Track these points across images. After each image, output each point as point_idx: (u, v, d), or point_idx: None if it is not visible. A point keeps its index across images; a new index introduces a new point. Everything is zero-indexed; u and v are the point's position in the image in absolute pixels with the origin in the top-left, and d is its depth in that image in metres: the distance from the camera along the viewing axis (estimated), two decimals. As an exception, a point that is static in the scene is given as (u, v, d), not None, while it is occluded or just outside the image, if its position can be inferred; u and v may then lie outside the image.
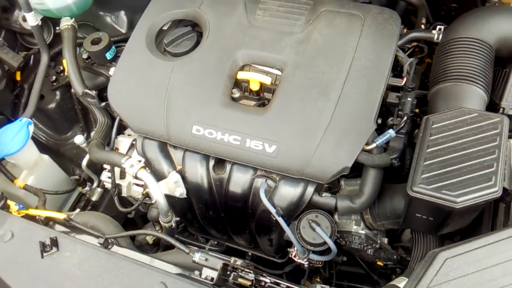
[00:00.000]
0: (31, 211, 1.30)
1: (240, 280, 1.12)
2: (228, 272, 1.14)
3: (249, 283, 1.09)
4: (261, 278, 1.06)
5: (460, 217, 1.06)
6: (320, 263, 1.46)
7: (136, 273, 1.06)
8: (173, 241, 1.23)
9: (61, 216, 1.28)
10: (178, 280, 1.04)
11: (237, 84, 1.47)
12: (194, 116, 1.38)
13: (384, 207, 1.37)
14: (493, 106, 1.26)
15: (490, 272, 0.88)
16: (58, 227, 1.36)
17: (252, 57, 1.45)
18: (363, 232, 1.41)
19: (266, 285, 1.05)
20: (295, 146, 1.29)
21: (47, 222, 1.32)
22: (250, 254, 1.78)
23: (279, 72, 1.42)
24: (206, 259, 1.13)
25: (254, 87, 1.45)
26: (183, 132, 1.38)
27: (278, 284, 1.04)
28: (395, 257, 1.41)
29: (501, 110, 1.21)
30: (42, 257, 1.10)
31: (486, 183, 0.96)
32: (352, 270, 1.87)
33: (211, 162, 1.45)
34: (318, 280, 1.72)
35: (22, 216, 1.27)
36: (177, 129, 1.39)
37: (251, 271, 1.08)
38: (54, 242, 1.12)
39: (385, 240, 1.49)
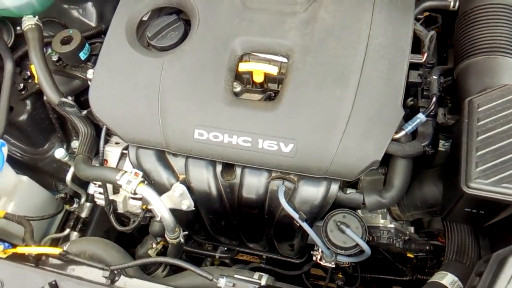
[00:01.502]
0: (19, 249, 1.11)
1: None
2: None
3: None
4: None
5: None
6: (348, 263, 1.34)
7: (158, 314, 0.91)
8: (193, 268, 1.08)
9: (55, 251, 1.10)
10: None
11: (238, 76, 1.30)
12: (195, 118, 1.21)
13: (413, 197, 1.26)
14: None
15: None
16: (52, 261, 1.18)
17: (253, 45, 1.27)
18: (392, 225, 1.31)
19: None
20: (315, 142, 1.15)
21: (39, 258, 1.14)
22: (264, 257, 1.65)
23: (284, 60, 1.26)
24: (233, 285, 0.99)
25: (258, 79, 1.28)
26: (184, 138, 1.22)
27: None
28: (427, 247, 1.31)
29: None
30: (43, 308, 0.93)
31: (549, 171, 0.85)
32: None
33: (218, 168, 1.29)
34: (340, 276, 1.62)
35: (9, 257, 1.09)
36: (177, 134, 1.22)
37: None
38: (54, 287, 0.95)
39: (412, 229, 1.39)
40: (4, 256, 1.09)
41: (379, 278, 1.61)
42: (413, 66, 1.30)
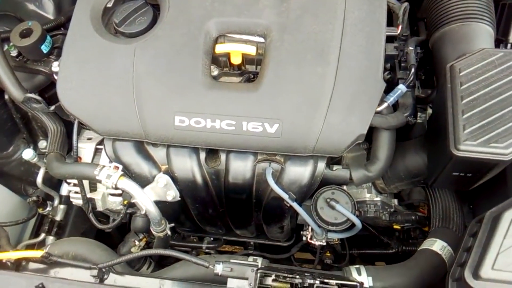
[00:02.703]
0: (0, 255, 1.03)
1: (274, 284, 0.97)
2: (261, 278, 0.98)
3: (288, 286, 0.94)
4: (307, 281, 0.92)
5: (500, 167, 0.99)
6: (337, 240, 1.35)
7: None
8: (189, 257, 1.04)
9: (37, 254, 1.03)
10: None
11: (214, 60, 1.26)
12: (174, 105, 1.16)
13: (397, 169, 1.28)
14: (497, 43, 1.18)
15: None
16: (33, 266, 1.11)
17: (228, 26, 1.24)
18: (378, 199, 1.32)
19: (315, 286, 0.90)
20: (300, 121, 1.13)
21: (19, 263, 1.07)
22: (252, 243, 1.63)
23: (261, 39, 1.23)
24: (231, 269, 0.96)
25: (236, 60, 1.25)
26: (164, 126, 1.17)
27: (326, 283, 0.90)
28: (413, 217, 1.34)
29: (509, 46, 1.13)
30: (32, 313, 0.87)
31: (533, 128, 0.88)
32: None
33: (202, 155, 1.25)
34: (329, 254, 1.63)
35: (-14, 264, 1.01)
36: (156, 123, 1.17)
37: (287, 274, 0.93)
38: (42, 291, 0.89)
39: (395, 201, 1.41)
40: (-19, 264, 1.02)
41: (365, 254, 1.63)
42: (388, 39, 1.31)
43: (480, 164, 0.92)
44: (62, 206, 1.68)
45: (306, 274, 0.91)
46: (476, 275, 0.82)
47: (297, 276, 0.89)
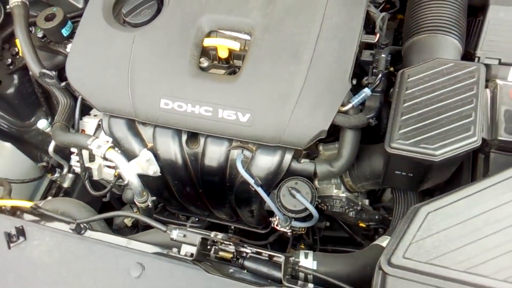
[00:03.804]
0: (-6, 202, 1.22)
1: (221, 253, 1.09)
2: (209, 247, 1.10)
3: (231, 255, 1.05)
4: (242, 249, 1.03)
5: (440, 170, 1.04)
6: (303, 230, 1.43)
7: (110, 256, 1.01)
8: (148, 220, 1.17)
9: (27, 204, 1.20)
10: (156, 259, 0.99)
11: (205, 52, 1.40)
12: (161, 89, 1.30)
13: (363, 169, 1.35)
14: (468, 56, 1.23)
15: (473, 223, 0.87)
16: (27, 217, 1.28)
17: (218, 22, 1.37)
18: (343, 195, 1.39)
19: (248, 256, 1.01)
20: (270, 113, 1.24)
21: (14, 212, 1.24)
22: (232, 227, 1.75)
23: (248, 37, 1.35)
24: (184, 235, 1.09)
25: (223, 54, 1.38)
26: (151, 107, 1.31)
27: (259, 253, 1.01)
28: (377, 217, 1.39)
29: (476, 59, 1.18)
30: (9, 248, 1.03)
31: (465, 134, 0.94)
32: (335, 235, 1.87)
33: (184, 137, 1.39)
34: (303, 246, 1.71)
35: (-15, 208, 1.19)
36: (144, 104, 1.32)
37: (231, 243, 1.04)
38: (21, 232, 1.05)
39: (366, 202, 1.48)
40: (-19, 207, 1.20)
41: (338, 251, 1.70)
42: (369, 47, 1.39)
43: (414, 164, 0.99)
44: (70, 175, 1.86)
45: (244, 245, 1.01)
46: (389, 262, 0.89)
47: (234, 246, 1.00)
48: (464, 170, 1.18)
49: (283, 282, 0.97)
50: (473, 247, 0.85)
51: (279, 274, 1.01)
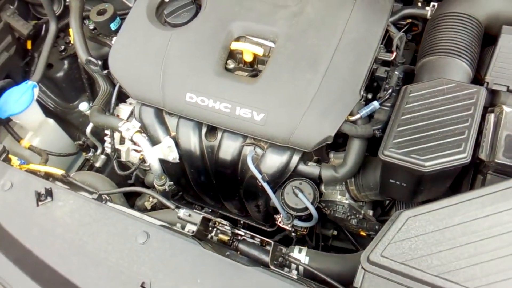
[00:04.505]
0: (32, 166, 1.39)
1: (220, 235, 1.19)
2: (210, 228, 1.20)
3: (228, 237, 1.14)
4: (237, 232, 1.12)
5: (433, 183, 1.09)
6: (305, 230, 1.51)
7: (122, 223, 1.13)
8: (160, 198, 1.30)
9: (58, 172, 1.36)
10: (160, 231, 1.11)
11: (232, 55, 1.52)
12: (188, 84, 1.43)
13: (368, 178, 1.41)
14: (478, 81, 1.28)
15: (450, 231, 0.92)
16: (57, 183, 1.44)
17: (247, 29, 1.49)
18: (346, 201, 1.46)
19: (242, 238, 1.10)
20: (282, 115, 1.34)
21: (47, 178, 1.40)
22: (242, 222, 1.84)
23: (272, 44, 1.46)
24: (189, 215, 1.20)
25: (248, 58, 1.49)
26: (177, 99, 1.44)
27: (253, 237, 1.10)
28: (377, 227, 1.44)
29: (485, 84, 1.22)
30: (37, 205, 1.18)
31: (455, 149, 0.99)
32: (342, 246, 1.91)
33: (204, 130, 1.51)
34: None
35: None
36: (172, 96, 1.45)
37: (227, 224, 1.14)
38: (49, 192, 1.20)
39: (370, 212, 1.53)
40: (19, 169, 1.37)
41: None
42: (387, 64, 1.46)
43: (406, 173, 1.05)
44: (102, 156, 2.03)
45: (239, 228, 1.10)
46: (368, 259, 0.96)
47: (230, 227, 1.09)
48: (463, 190, 1.22)
49: (270, 266, 1.05)
50: (448, 254, 0.91)
51: (268, 259, 1.09)
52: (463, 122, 1.02)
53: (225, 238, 1.16)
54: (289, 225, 1.45)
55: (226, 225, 1.14)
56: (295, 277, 1.07)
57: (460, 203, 0.93)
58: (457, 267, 0.89)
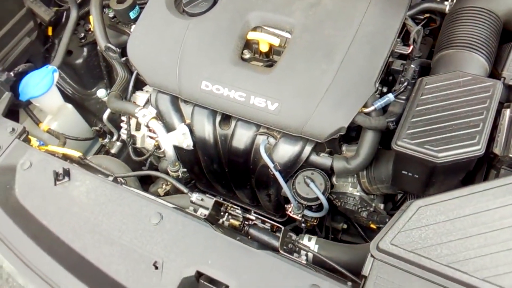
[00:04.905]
0: (50, 147, 1.42)
1: (231, 220, 1.20)
2: (222, 213, 1.22)
3: (239, 222, 1.16)
4: (248, 216, 1.14)
5: (445, 176, 1.09)
6: (315, 221, 1.52)
7: (136, 204, 1.16)
8: (173, 181, 1.32)
9: (76, 154, 1.40)
10: (173, 212, 1.13)
11: (248, 45, 1.54)
12: (204, 72, 1.45)
13: (380, 171, 1.41)
14: (495, 76, 1.27)
15: (461, 222, 0.92)
16: (74, 165, 1.47)
17: (264, 19, 1.50)
18: (357, 193, 1.46)
19: (252, 223, 1.12)
20: (296, 105, 1.35)
21: (64, 159, 1.44)
22: (253, 212, 1.86)
23: (288, 35, 1.47)
24: (202, 199, 1.22)
25: (264, 48, 1.51)
26: (193, 87, 1.46)
27: (264, 222, 1.11)
28: (387, 220, 1.45)
29: (502, 80, 1.21)
30: (55, 184, 1.22)
31: (469, 141, 0.99)
32: (352, 241, 1.92)
33: (218, 118, 1.53)
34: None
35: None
36: (188, 84, 1.47)
37: (238, 208, 1.16)
38: (67, 172, 1.23)
39: (381, 206, 1.53)
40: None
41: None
42: (404, 58, 1.46)
43: (418, 164, 1.05)
44: (118, 143, 2.07)
45: (250, 212, 1.12)
46: (377, 247, 0.96)
47: (242, 211, 1.11)
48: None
49: (279, 250, 1.07)
50: (457, 244, 0.91)
51: (278, 244, 1.11)
52: (478, 115, 1.02)
53: (236, 223, 1.18)
54: (300, 215, 1.46)
55: (237, 209, 1.16)
56: (304, 262, 1.08)
57: (471, 194, 0.93)
58: (467, 257, 0.90)
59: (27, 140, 1.36)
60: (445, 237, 0.92)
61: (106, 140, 2.02)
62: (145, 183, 2.02)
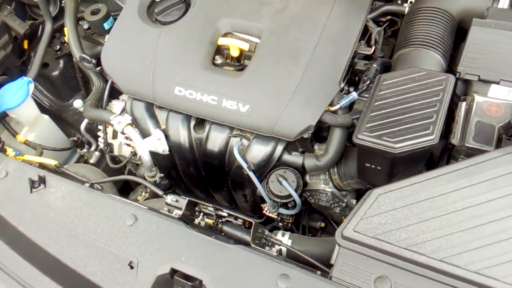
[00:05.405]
0: (27, 157, 1.44)
1: (206, 220, 1.24)
2: (197, 213, 1.26)
3: (213, 221, 1.20)
4: (221, 213, 1.17)
5: (406, 166, 1.15)
6: (291, 219, 1.56)
7: (111, 207, 1.19)
8: (149, 185, 1.35)
9: (52, 162, 1.42)
10: (148, 213, 1.16)
11: (220, 51, 1.59)
12: (177, 78, 1.50)
13: (349, 167, 1.46)
14: (452, 72, 1.34)
15: (417, 207, 0.98)
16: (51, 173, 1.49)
17: (233, 25, 1.56)
18: (329, 190, 1.51)
19: (225, 220, 1.16)
20: (266, 106, 1.40)
21: (41, 168, 1.46)
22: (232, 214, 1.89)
23: (257, 40, 1.53)
24: (177, 200, 1.25)
25: (234, 53, 1.56)
26: (167, 93, 1.50)
27: (236, 218, 1.15)
28: (359, 215, 1.50)
29: (457, 74, 1.28)
30: (31, 192, 1.24)
31: (424, 132, 1.05)
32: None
33: (192, 122, 1.57)
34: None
35: (18, 162, 1.42)
36: (161, 90, 1.51)
37: (211, 205, 1.19)
38: (42, 180, 1.26)
39: (354, 201, 1.58)
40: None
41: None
42: (367, 58, 1.53)
43: (378, 156, 1.11)
44: (96, 153, 2.08)
45: (222, 209, 1.16)
46: (342, 234, 1.01)
47: (214, 209, 1.15)
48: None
49: (251, 244, 1.11)
50: (415, 228, 0.96)
51: (249, 238, 1.15)
52: (432, 107, 1.08)
53: (210, 221, 1.22)
54: (275, 213, 1.50)
55: (210, 206, 1.20)
56: (274, 253, 1.12)
57: (427, 180, 0.98)
58: (424, 239, 0.95)
59: (3, 150, 1.38)
60: (403, 222, 0.97)
61: (85, 150, 2.03)
62: (125, 192, 2.04)
